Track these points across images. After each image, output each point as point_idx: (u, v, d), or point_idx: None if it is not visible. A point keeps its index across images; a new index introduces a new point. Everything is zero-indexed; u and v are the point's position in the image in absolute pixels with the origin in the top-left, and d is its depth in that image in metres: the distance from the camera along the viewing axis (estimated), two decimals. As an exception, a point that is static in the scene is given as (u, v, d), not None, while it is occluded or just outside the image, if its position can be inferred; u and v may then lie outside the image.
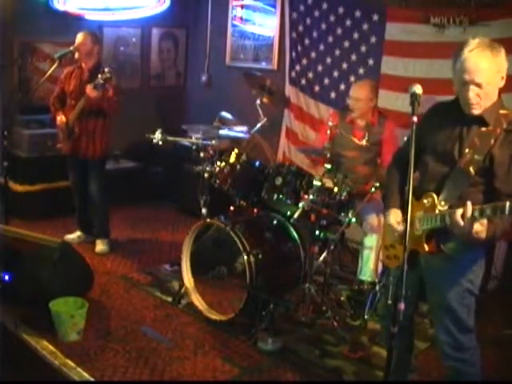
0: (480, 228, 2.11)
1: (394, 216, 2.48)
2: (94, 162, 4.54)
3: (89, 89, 4.15)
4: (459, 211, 2.12)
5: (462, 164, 2.30)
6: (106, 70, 4.15)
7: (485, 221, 2.09)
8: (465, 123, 2.34)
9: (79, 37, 4.38)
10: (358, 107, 3.98)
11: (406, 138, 2.66)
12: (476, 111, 2.28)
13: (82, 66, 4.46)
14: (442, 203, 2.29)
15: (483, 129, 2.29)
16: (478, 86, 2.22)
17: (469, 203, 2.10)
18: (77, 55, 4.40)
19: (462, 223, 2.11)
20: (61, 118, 4.42)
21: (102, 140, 4.50)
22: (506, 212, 1.98)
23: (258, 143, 5.22)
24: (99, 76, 4.13)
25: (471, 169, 2.27)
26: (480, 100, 2.24)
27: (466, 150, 2.30)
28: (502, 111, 2.30)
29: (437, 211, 2.29)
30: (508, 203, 1.97)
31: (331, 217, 3.58)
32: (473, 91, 2.23)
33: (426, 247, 2.34)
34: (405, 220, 2.16)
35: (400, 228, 2.42)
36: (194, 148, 4.07)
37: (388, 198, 2.60)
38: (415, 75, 4.47)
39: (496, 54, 2.21)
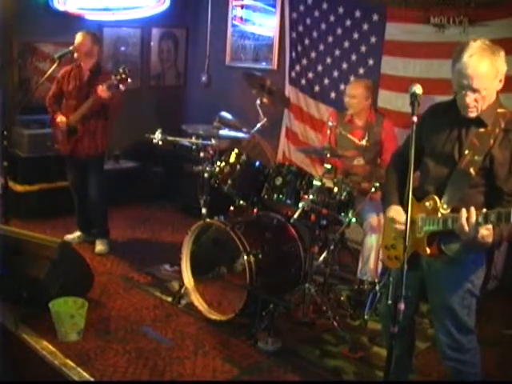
0: (486, 233, 2.11)
1: (394, 212, 2.47)
2: (93, 161, 4.53)
3: (101, 89, 4.10)
4: (463, 217, 2.11)
5: (462, 165, 2.29)
6: (120, 70, 4.10)
7: (490, 225, 2.09)
8: (463, 124, 2.34)
9: (78, 37, 4.37)
10: (353, 104, 4.03)
11: (405, 139, 2.66)
12: (473, 114, 2.29)
13: (81, 66, 4.44)
14: (445, 206, 2.29)
15: (482, 129, 2.29)
16: (476, 91, 2.22)
17: (472, 209, 2.10)
18: (76, 55, 4.40)
19: (466, 229, 2.11)
20: (61, 119, 4.40)
21: (102, 140, 4.50)
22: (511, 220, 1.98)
23: (258, 143, 5.22)
24: (113, 77, 4.10)
25: (471, 170, 2.26)
26: (477, 104, 2.25)
27: (466, 151, 2.29)
28: (499, 110, 2.30)
29: (439, 214, 2.28)
30: None
31: (331, 217, 3.58)
32: (470, 96, 2.23)
33: (428, 250, 2.33)
34: (405, 220, 2.15)
35: (402, 223, 2.41)
36: (194, 148, 4.07)
37: (387, 196, 2.59)
38: (415, 75, 4.47)
39: (495, 58, 2.21)
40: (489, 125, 2.28)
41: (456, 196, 2.29)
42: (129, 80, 4.15)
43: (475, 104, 2.25)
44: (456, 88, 2.29)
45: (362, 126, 4.07)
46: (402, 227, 2.39)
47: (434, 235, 2.32)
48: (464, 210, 2.11)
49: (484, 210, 2.10)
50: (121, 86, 4.15)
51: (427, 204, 2.35)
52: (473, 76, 2.19)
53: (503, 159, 2.25)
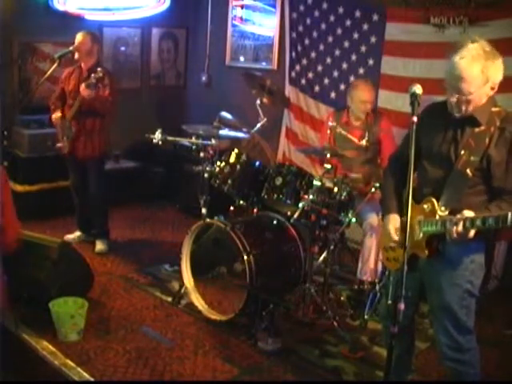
0: (473, 233, 2.15)
1: (393, 222, 2.47)
2: (93, 162, 4.53)
3: (82, 88, 4.17)
4: (461, 222, 2.13)
5: (458, 166, 2.29)
6: (98, 69, 4.17)
7: None
8: (458, 124, 2.33)
9: (79, 37, 4.38)
10: (368, 109, 4.04)
11: (402, 140, 2.66)
12: (457, 114, 2.28)
13: (81, 66, 4.45)
14: (443, 208, 2.28)
15: (477, 129, 2.28)
16: (461, 93, 2.21)
17: (467, 214, 2.14)
18: (77, 55, 4.40)
19: (455, 237, 2.15)
20: (56, 115, 4.43)
21: (100, 140, 4.50)
22: (509, 223, 1.97)
23: (258, 143, 5.22)
24: (92, 75, 4.15)
25: (468, 170, 2.26)
26: (461, 105, 2.24)
27: (462, 152, 2.29)
28: (494, 109, 2.29)
29: (437, 217, 2.28)
30: (510, 214, 1.97)
31: (331, 217, 3.58)
32: (454, 97, 2.23)
33: (427, 252, 2.33)
34: (402, 227, 2.15)
35: (395, 238, 2.42)
36: (194, 148, 4.07)
37: (386, 202, 2.59)
38: (415, 75, 4.47)
39: (487, 64, 2.18)
40: (483, 124, 2.27)
41: (454, 197, 2.28)
42: (106, 80, 4.23)
43: (459, 105, 2.24)
44: (445, 85, 2.28)
45: (359, 126, 4.07)
46: (397, 239, 2.41)
47: (432, 237, 2.32)
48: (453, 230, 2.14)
49: (481, 214, 2.12)
50: (99, 85, 4.20)
51: (425, 206, 2.34)
52: (459, 78, 2.19)
53: (500, 158, 2.25)
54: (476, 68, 2.17)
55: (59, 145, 4.56)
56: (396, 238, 2.43)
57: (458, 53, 2.20)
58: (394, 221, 2.47)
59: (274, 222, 3.86)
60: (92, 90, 4.16)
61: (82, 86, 4.17)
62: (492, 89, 2.25)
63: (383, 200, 2.65)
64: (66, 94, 4.49)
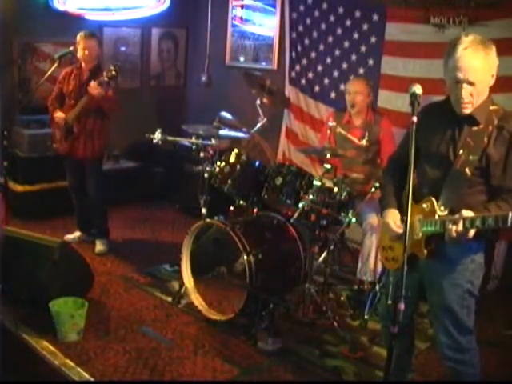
0: (473, 233, 2.14)
1: (392, 216, 2.46)
2: (91, 162, 4.53)
3: (93, 86, 4.13)
4: (460, 222, 2.12)
5: (457, 166, 2.28)
6: (111, 67, 4.14)
7: None
8: (456, 124, 2.33)
9: (87, 41, 4.33)
10: (358, 102, 4.00)
11: (401, 140, 2.66)
12: (467, 110, 2.27)
13: (81, 67, 4.44)
14: (442, 208, 2.28)
15: (475, 128, 2.28)
16: (472, 84, 2.20)
17: (466, 214, 2.12)
18: (84, 56, 4.36)
19: (463, 232, 2.13)
20: (60, 114, 4.39)
21: (99, 140, 4.49)
22: (509, 223, 1.96)
23: (258, 143, 5.22)
24: (104, 73, 4.12)
25: (467, 170, 2.26)
26: (472, 99, 2.23)
27: (460, 151, 2.28)
28: (491, 107, 2.29)
29: (436, 216, 2.27)
30: (511, 214, 1.96)
31: (331, 217, 3.58)
32: (466, 90, 2.22)
33: (425, 252, 2.32)
34: (403, 222, 2.15)
35: (396, 229, 2.41)
36: (194, 148, 4.07)
37: (385, 199, 2.59)
38: (415, 75, 4.47)
39: (488, 52, 2.20)
40: (482, 123, 2.27)
41: (453, 197, 2.28)
42: (118, 77, 4.19)
43: (470, 99, 2.23)
44: (450, 83, 2.27)
45: (360, 126, 4.07)
46: (399, 231, 2.39)
47: (430, 237, 2.31)
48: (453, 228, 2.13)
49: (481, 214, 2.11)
50: (111, 83, 4.17)
51: (424, 206, 2.33)
52: (468, 68, 2.18)
53: (499, 157, 2.24)
54: (481, 55, 2.18)
55: (56, 145, 4.55)
56: (397, 230, 2.40)
57: (459, 46, 2.19)
58: (394, 215, 2.46)
59: (274, 222, 3.86)
60: (104, 88, 4.13)
61: (94, 83, 4.12)
62: (492, 76, 2.26)
63: (382, 198, 2.65)
64: (64, 95, 4.48)
